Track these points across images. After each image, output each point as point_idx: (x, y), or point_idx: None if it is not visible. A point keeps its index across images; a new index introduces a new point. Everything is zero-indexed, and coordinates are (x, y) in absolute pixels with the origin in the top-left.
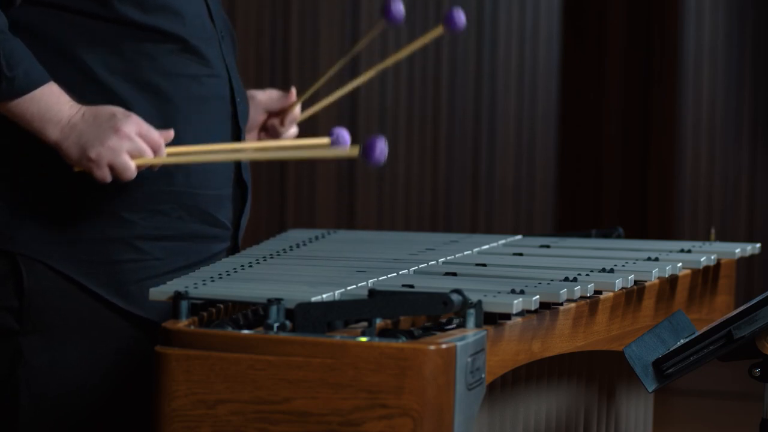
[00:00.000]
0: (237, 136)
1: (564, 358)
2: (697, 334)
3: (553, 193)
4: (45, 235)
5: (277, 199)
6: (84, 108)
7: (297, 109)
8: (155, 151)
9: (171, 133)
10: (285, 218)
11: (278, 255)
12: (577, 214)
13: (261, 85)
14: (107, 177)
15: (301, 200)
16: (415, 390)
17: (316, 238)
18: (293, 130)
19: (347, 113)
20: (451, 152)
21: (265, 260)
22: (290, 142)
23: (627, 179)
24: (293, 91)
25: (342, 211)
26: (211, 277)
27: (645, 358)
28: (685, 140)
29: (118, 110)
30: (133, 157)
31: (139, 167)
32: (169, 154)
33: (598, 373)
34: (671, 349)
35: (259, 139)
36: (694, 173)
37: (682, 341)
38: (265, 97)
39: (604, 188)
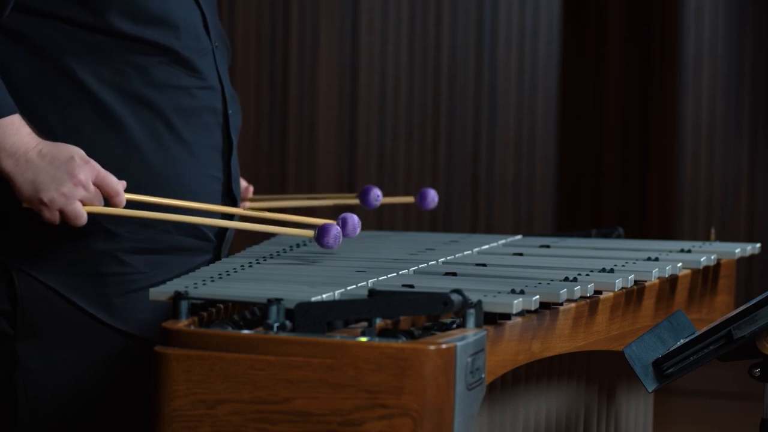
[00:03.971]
0: (228, 147)
1: (564, 358)
2: (697, 334)
3: (553, 193)
4: (30, 247)
5: None
6: (42, 144)
7: (246, 203)
8: (113, 197)
9: (124, 183)
10: None
11: (278, 255)
12: (577, 214)
13: (261, 87)
14: (56, 220)
15: None
16: (415, 390)
17: None
18: None
19: (347, 113)
20: (450, 151)
21: (265, 260)
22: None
23: (627, 179)
24: (251, 189)
25: (342, 211)
26: (211, 277)
27: (645, 358)
28: (684, 140)
29: (76, 153)
30: (85, 204)
31: (90, 214)
32: (129, 203)
33: (598, 373)
34: (671, 349)
35: None
36: (694, 173)
37: (682, 341)
38: None
39: (604, 188)
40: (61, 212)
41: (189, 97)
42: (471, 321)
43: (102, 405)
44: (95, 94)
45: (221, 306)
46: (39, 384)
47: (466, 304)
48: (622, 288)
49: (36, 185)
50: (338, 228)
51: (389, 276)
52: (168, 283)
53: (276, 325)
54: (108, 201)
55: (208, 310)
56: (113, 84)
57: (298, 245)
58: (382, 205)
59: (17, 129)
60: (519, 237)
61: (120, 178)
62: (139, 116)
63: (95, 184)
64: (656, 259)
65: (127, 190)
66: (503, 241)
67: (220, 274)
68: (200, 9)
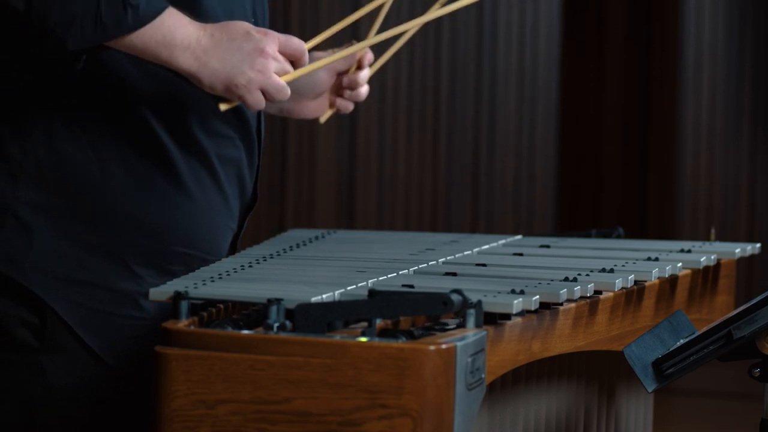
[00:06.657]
0: (252, 201)
1: (564, 358)
2: (697, 334)
3: (553, 193)
4: (49, 272)
5: (277, 199)
6: (209, 26)
7: (365, 69)
8: (299, 59)
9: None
10: (285, 218)
11: (278, 255)
12: (577, 214)
13: None
14: (261, 102)
15: (301, 200)
16: (415, 390)
17: (316, 238)
18: (365, 88)
19: (347, 113)
20: (451, 152)
21: (265, 260)
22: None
23: (627, 179)
24: (369, 55)
25: (342, 211)
26: (211, 277)
27: (645, 358)
28: (685, 140)
29: (248, 27)
30: (280, 76)
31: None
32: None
33: (598, 373)
34: (671, 349)
35: (335, 99)
36: (694, 173)
37: (682, 341)
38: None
39: (604, 188)
40: (263, 91)
41: (233, 147)
42: (471, 321)
43: (123, 417)
44: (158, 135)
45: (221, 306)
46: (60, 399)
47: (466, 304)
48: (622, 288)
49: (227, 72)
50: None
51: (389, 276)
52: (168, 283)
53: (276, 325)
54: (294, 64)
55: (208, 310)
56: (174, 130)
57: (297, 245)
58: (383, 205)
59: (179, 19)
60: (519, 237)
61: (161, 215)
62: (187, 160)
63: (280, 52)
64: (656, 259)
65: (164, 230)
66: (503, 241)
67: (220, 274)
68: None
